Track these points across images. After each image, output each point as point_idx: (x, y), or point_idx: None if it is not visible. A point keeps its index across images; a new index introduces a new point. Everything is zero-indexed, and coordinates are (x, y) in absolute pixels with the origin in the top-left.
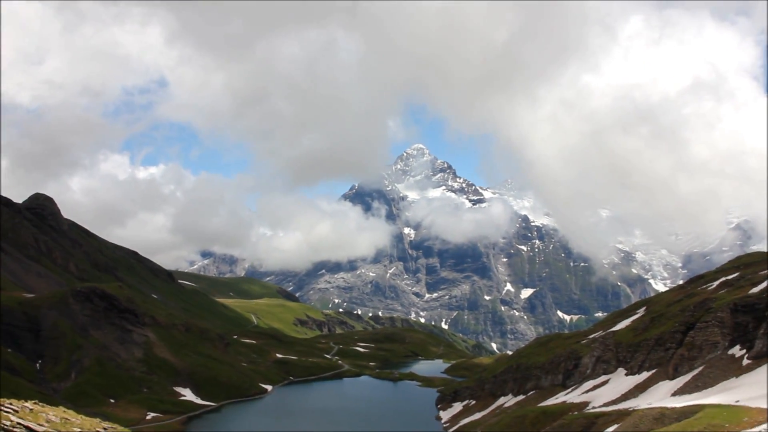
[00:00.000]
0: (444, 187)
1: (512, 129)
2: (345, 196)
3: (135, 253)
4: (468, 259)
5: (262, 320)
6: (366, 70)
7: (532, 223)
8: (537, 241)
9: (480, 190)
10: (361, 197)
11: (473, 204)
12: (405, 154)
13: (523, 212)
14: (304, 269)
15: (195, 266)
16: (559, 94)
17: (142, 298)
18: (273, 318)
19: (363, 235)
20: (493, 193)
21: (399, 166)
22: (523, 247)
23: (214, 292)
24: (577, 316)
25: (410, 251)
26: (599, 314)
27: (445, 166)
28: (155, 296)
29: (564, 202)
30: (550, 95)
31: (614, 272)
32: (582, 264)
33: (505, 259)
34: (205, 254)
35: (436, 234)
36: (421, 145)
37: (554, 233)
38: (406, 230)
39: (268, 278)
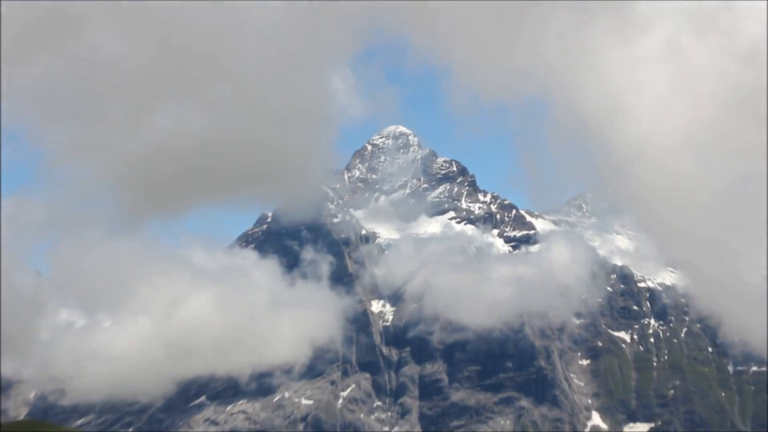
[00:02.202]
0: (452, 214)
1: (586, 85)
2: (245, 239)
3: None
4: (507, 361)
5: None
6: None
7: (640, 284)
8: (652, 321)
9: (526, 218)
10: (279, 240)
11: (513, 247)
12: (369, 148)
13: (618, 260)
14: (158, 397)
15: None
16: (685, 8)
17: None
18: None
19: (285, 320)
20: (554, 223)
21: (358, 172)
22: (622, 335)
23: None
24: None
25: (384, 350)
26: None
27: (454, 169)
28: None
29: (706, 240)
30: (667, 11)
31: None
32: (754, 368)
33: (585, 361)
34: None
35: (437, 311)
36: (402, 128)
37: (688, 304)
38: (376, 305)
39: (79, 421)
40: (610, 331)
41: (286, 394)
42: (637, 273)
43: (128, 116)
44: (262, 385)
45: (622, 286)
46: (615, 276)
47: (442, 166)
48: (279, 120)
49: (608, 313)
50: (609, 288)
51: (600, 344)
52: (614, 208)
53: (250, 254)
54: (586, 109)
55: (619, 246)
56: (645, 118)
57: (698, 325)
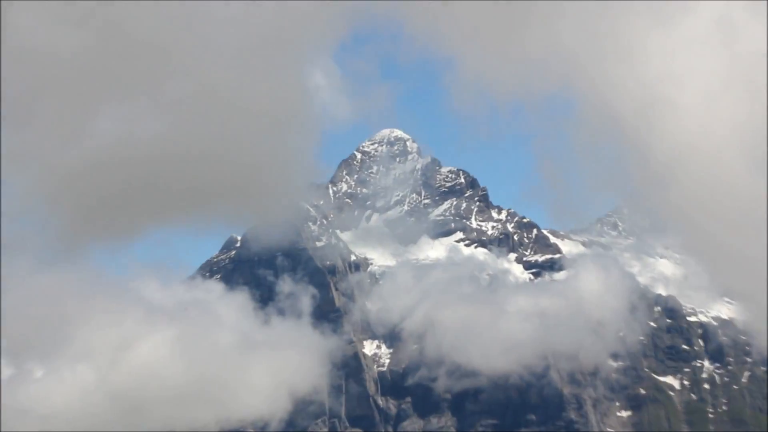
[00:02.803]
0: (460, 235)
1: (618, 77)
2: (209, 268)
3: None
4: (529, 413)
5: None
6: None
7: (690, 318)
8: (706, 363)
9: (550, 239)
10: (251, 268)
11: (534, 274)
12: (359, 157)
13: (662, 289)
14: None
15: None
16: None
17: None
18: None
19: (258, 365)
20: (584, 245)
21: (345, 186)
22: (669, 380)
23: None
24: None
25: (380, 401)
26: None
27: (461, 181)
28: None
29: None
30: None
31: None
32: None
33: (625, 413)
34: None
35: (443, 353)
36: (398, 133)
37: (750, 342)
38: (369, 347)
39: None
40: (654, 375)
41: None
42: (686, 305)
43: (65, 119)
44: None
45: (668, 320)
46: (659, 308)
47: (447, 177)
48: (249, 124)
49: (652, 354)
50: (652, 323)
51: (643, 392)
52: (656, 226)
53: (215, 286)
54: (618, 106)
55: (663, 272)
56: (691, 115)
57: (763, 368)
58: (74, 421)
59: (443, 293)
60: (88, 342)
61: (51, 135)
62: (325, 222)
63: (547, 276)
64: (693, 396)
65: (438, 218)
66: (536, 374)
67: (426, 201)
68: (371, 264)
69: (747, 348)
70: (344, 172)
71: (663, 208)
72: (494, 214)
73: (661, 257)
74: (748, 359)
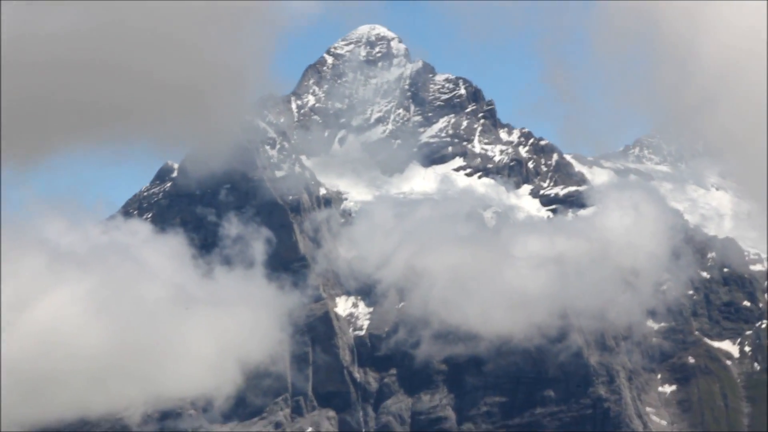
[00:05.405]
0: (459, 161)
1: None
2: (137, 204)
3: None
4: (546, 389)
5: None
6: None
7: (753, 267)
8: None
9: (573, 166)
10: (189, 205)
11: (552, 211)
12: (330, 61)
13: (715, 230)
14: None
15: None
16: None
17: None
18: None
19: (198, 329)
20: (617, 174)
21: (312, 99)
22: (726, 346)
23: None
24: None
25: (357, 373)
26: None
27: (462, 92)
28: None
29: None
30: None
31: None
32: None
33: (668, 387)
34: None
35: (433, 312)
36: (380, 30)
37: None
38: (343, 305)
39: None
40: (707, 340)
41: None
42: (749, 249)
43: None
44: (163, 431)
45: (725, 270)
46: (713, 254)
47: (444, 87)
48: (186, 18)
49: (703, 313)
50: (704, 273)
51: (691, 361)
52: (710, 149)
53: (143, 227)
54: None
55: (717, 208)
56: (751, 9)
57: None
58: None
59: (435, 235)
60: None
61: None
62: (286, 145)
63: (569, 213)
64: (755, 366)
65: (431, 140)
66: (553, 338)
67: (416, 118)
68: (344, 199)
69: None
70: (311, 81)
71: (717, 128)
72: (503, 135)
73: (715, 188)
74: None
